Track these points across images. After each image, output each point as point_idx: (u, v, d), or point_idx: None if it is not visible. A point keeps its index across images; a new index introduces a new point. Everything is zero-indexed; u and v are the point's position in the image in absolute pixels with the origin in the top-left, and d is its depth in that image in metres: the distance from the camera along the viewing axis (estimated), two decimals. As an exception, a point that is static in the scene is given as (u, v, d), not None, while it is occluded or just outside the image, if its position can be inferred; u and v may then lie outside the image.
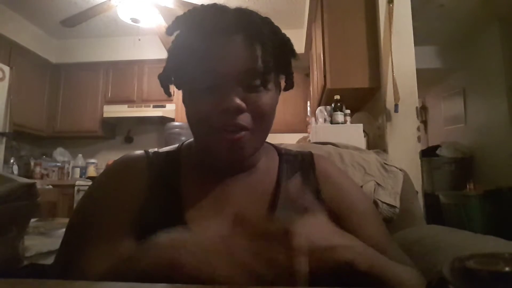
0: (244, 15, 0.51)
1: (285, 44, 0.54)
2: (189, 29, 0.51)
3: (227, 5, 0.52)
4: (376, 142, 2.11)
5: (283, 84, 0.58)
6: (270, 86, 0.51)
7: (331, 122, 2.10)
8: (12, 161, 3.43)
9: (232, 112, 0.47)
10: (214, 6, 0.51)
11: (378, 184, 0.91)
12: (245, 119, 0.48)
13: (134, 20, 2.80)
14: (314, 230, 0.39)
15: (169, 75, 0.54)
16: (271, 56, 0.49)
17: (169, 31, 0.53)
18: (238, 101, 0.47)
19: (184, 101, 0.54)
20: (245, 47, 0.48)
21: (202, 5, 0.52)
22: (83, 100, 3.91)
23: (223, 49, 0.48)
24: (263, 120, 0.51)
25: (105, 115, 3.84)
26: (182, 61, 0.51)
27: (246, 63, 0.48)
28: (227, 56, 0.48)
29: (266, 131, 0.53)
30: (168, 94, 0.56)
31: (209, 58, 0.48)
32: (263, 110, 0.50)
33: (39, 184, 0.88)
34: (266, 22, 0.52)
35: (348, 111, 2.12)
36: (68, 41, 4.04)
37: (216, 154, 0.51)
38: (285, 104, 3.52)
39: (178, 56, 0.52)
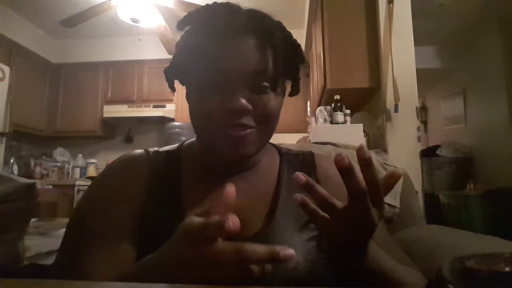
0: (256, 17, 0.51)
1: (295, 49, 0.54)
2: (199, 25, 0.51)
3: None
4: (376, 142, 2.10)
5: (288, 89, 0.58)
6: (278, 90, 0.51)
7: (331, 122, 2.09)
8: (12, 161, 3.43)
9: (237, 113, 0.47)
10: (227, 4, 0.51)
11: (378, 184, 0.90)
12: (249, 120, 0.48)
13: (134, 20, 2.80)
14: None
15: (176, 70, 0.54)
16: (282, 60, 0.49)
17: (179, 26, 0.52)
18: (243, 102, 0.47)
19: (188, 97, 0.54)
20: (255, 49, 0.48)
21: (215, 2, 0.52)
22: (83, 100, 3.90)
23: (232, 48, 0.48)
24: (268, 123, 0.51)
25: (105, 115, 3.84)
26: (190, 57, 0.51)
27: (256, 65, 0.48)
28: (236, 56, 0.48)
29: (270, 133, 0.53)
30: (173, 88, 0.56)
31: (217, 56, 0.48)
32: (268, 113, 0.50)
33: (39, 184, 0.88)
34: (279, 26, 0.52)
35: (348, 111, 2.12)
36: (68, 41, 4.04)
37: (218, 150, 0.50)
38: (285, 104, 3.34)
39: (186, 51, 0.52)
